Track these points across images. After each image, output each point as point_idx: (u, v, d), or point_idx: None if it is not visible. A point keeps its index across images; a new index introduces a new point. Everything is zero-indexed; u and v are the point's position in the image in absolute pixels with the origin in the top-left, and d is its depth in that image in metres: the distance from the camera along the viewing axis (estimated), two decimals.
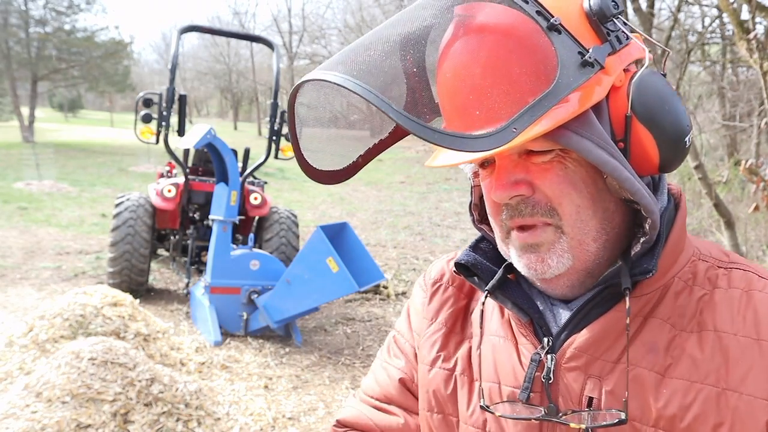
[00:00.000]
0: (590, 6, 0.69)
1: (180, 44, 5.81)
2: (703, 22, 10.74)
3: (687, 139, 0.72)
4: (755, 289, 0.73)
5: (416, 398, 0.95)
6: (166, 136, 5.64)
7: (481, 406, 0.79)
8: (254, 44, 23.32)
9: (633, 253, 0.74)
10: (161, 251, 7.14)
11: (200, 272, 6.21)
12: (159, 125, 5.56)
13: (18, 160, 16.54)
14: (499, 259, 0.86)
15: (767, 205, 3.90)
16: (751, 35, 4.10)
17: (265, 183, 7.55)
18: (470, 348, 0.88)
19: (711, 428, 0.68)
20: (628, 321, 0.71)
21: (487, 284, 0.83)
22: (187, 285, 5.98)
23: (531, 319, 0.80)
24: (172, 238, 6.57)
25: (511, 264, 0.82)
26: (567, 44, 0.65)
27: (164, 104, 5.52)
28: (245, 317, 5.06)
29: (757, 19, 4.50)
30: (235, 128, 39.17)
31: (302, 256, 4.61)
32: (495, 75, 0.65)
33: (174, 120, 5.67)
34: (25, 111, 25.28)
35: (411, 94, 0.77)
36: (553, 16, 0.65)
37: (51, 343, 3.63)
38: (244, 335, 5.07)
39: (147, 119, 5.58)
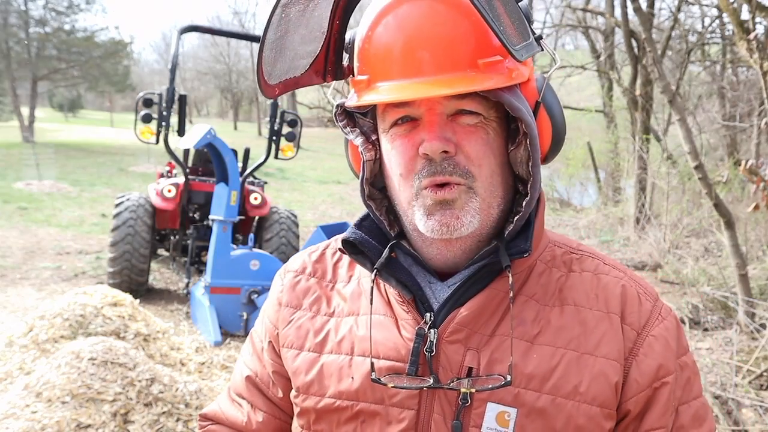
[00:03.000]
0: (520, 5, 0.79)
1: (180, 44, 5.81)
2: (703, 22, 10.76)
3: (563, 139, 0.84)
4: (602, 273, 0.87)
5: (261, 393, 1.00)
6: (166, 136, 5.64)
7: (373, 379, 0.81)
8: (254, 44, 23.32)
9: (507, 232, 0.83)
10: (161, 251, 7.13)
11: (200, 272, 6.20)
12: (159, 125, 5.56)
13: (18, 160, 16.53)
14: (381, 238, 0.90)
15: (767, 205, 3.90)
16: (751, 35, 4.10)
17: (265, 183, 7.55)
18: (346, 327, 0.90)
19: (573, 386, 0.78)
20: (512, 294, 0.79)
21: (371, 262, 0.87)
22: (187, 285, 5.97)
23: (414, 296, 0.84)
24: (172, 238, 6.57)
25: (394, 244, 0.88)
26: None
27: (164, 104, 5.51)
28: (245, 317, 5.06)
29: (757, 19, 4.50)
30: (235, 128, 39.15)
31: None
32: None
33: (174, 120, 5.67)
34: (25, 111, 25.25)
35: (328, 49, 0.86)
36: None
37: (51, 343, 3.63)
38: (244, 335, 5.07)
39: (147, 119, 5.58)
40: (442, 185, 0.78)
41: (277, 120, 5.92)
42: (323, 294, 0.95)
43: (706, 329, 5.17)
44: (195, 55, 49.76)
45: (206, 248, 5.88)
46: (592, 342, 0.80)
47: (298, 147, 6.13)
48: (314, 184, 16.99)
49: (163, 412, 3.20)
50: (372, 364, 0.82)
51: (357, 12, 0.87)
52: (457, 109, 0.78)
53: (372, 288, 0.87)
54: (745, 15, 4.62)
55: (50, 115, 46.88)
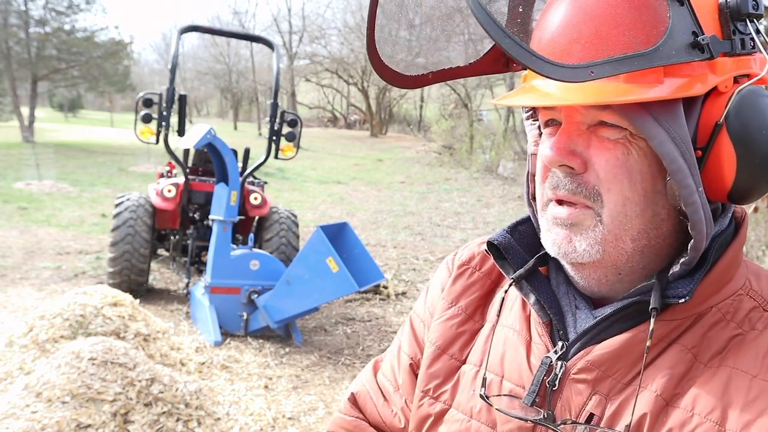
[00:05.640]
0: None
1: (180, 44, 5.81)
2: None
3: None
4: None
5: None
6: (166, 136, 5.64)
7: (480, 395, 0.75)
8: (254, 44, 23.32)
9: (671, 272, 0.68)
10: (161, 251, 7.13)
11: (200, 272, 6.20)
12: (159, 125, 5.56)
13: (18, 160, 16.52)
14: (534, 247, 0.80)
15: None
16: None
17: (265, 183, 7.55)
18: (483, 336, 0.84)
19: None
20: (648, 344, 0.66)
21: (516, 271, 0.78)
22: (187, 285, 5.98)
23: (550, 319, 0.76)
24: (172, 238, 6.57)
25: (544, 255, 0.79)
26: (684, 18, 0.60)
27: (164, 104, 5.52)
28: (245, 317, 5.06)
29: None
30: (235, 128, 39.16)
31: (302, 256, 4.61)
32: (603, 13, 0.62)
33: (174, 120, 5.67)
34: (25, 111, 25.24)
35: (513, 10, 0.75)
36: None
37: (51, 343, 3.63)
38: (244, 335, 5.07)
39: (147, 119, 5.58)
40: (565, 203, 0.69)
41: (277, 120, 5.91)
42: (484, 298, 0.88)
43: None
44: (195, 55, 49.81)
45: (206, 248, 5.88)
46: (743, 419, 0.62)
47: (298, 147, 6.13)
48: (314, 184, 16.99)
49: (163, 412, 3.20)
50: (484, 380, 0.76)
51: None
52: (598, 120, 0.66)
53: (503, 299, 0.80)
54: None
55: (50, 115, 46.91)
